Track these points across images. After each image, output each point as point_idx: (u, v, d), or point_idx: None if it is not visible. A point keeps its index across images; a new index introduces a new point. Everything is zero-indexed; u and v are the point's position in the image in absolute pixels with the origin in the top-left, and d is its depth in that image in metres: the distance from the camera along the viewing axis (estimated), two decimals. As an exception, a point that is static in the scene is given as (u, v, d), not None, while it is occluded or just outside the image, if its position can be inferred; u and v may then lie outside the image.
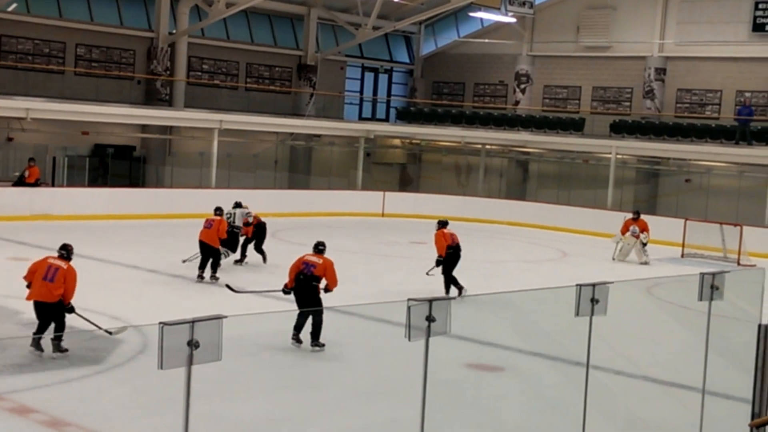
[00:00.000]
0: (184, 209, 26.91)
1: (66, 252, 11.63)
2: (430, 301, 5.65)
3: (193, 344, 4.42)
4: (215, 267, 17.25)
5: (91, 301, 12.57)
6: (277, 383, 10.80)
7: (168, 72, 32.25)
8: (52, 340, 11.18)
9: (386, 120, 39.66)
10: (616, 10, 34.44)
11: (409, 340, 5.64)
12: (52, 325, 11.16)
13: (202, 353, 4.45)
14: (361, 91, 39.58)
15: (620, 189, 32.33)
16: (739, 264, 24.09)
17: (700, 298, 7.19)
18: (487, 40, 37.36)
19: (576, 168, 34.42)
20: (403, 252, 23.91)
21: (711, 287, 7.21)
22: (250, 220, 19.65)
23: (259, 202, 29.39)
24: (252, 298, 14.93)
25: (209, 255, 17.16)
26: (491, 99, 38.36)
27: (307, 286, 12.16)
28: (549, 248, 26.14)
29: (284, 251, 22.51)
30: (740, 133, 29.91)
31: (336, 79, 37.96)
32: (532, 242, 27.06)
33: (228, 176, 31.77)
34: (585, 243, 27.16)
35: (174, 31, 32.29)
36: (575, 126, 33.95)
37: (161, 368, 4.37)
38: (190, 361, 4.46)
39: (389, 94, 40.45)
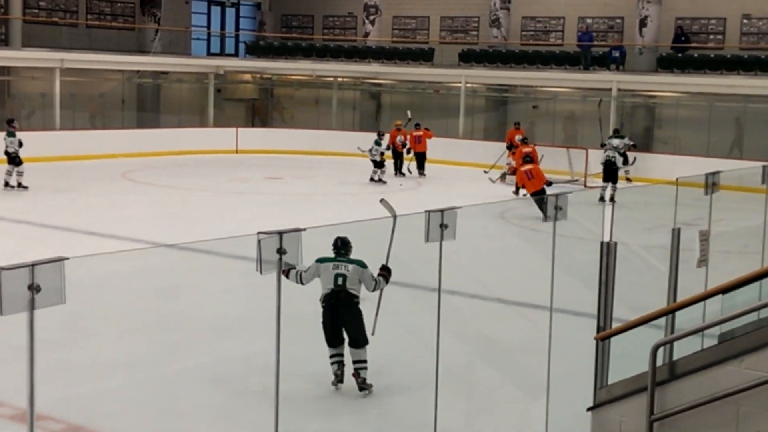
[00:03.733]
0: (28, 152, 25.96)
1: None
2: (280, 233, 5.63)
3: (34, 288, 4.28)
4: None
5: None
6: (127, 326, 10.62)
7: (2, 10, 30.78)
8: None
9: (235, 55, 38.96)
10: (462, -62, 34.56)
11: (261, 273, 5.61)
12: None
13: (45, 297, 4.31)
14: (209, 26, 38.71)
15: (471, 117, 32.81)
16: (585, 186, 24.91)
17: (545, 219, 7.40)
18: (334, -29, 37.03)
19: (427, 98, 34.70)
20: (257, 188, 23.75)
21: (555, 208, 7.41)
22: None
23: (108, 142, 28.77)
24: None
25: None
26: (341, 31, 38.15)
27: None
28: (403, 178, 26.41)
29: (150, 191, 22.16)
30: (583, 59, 30.73)
31: (181, 14, 36.97)
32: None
33: (73, 117, 30.74)
34: (438, 170, 27.48)
35: (6, -33, 30.79)
36: (425, 56, 34.15)
37: (1, 314, 4.22)
38: (32, 306, 4.32)
39: (237, 29, 39.69)
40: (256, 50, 37.43)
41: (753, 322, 6.01)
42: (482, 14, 34.73)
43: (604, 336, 6.74)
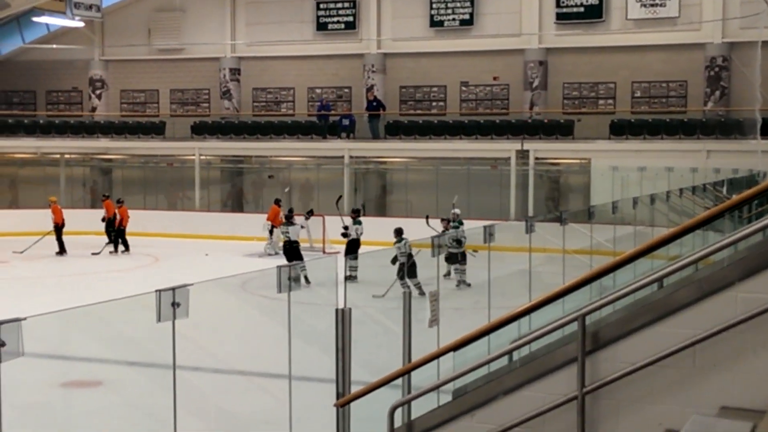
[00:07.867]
0: None
1: None
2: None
3: None
4: None
5: None
6: None
7: None
8: None
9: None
10: (186, 12, 34.59)
11: (-23, 367, 5.23)
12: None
13: None
14: None
15: (206, 189, 32.59)
16: (324, 252, 25.24)
17: (279, 290, 7.38)
18: (55, 46, 35.89)
19: (161, 172, 34.17)
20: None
21: (288, 278, 7.42)
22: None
23: None
24: None
25: None
26: (66, 107, 36.98)
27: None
28: (140, 255, 25.73)
29: None
30: (322, 128, 31.36)
31: None
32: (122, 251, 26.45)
33: None
34: (176, 246, 27.02)
35: None
36: (156, 130, 33.70)
37: None
38: None
39: (-48, 106, 37.61)
40: (-27, 128, 35.55)
41: (483, 376, 6.23)
42: (212, 86, 34.77)
43: (343, 402, 6.78)
